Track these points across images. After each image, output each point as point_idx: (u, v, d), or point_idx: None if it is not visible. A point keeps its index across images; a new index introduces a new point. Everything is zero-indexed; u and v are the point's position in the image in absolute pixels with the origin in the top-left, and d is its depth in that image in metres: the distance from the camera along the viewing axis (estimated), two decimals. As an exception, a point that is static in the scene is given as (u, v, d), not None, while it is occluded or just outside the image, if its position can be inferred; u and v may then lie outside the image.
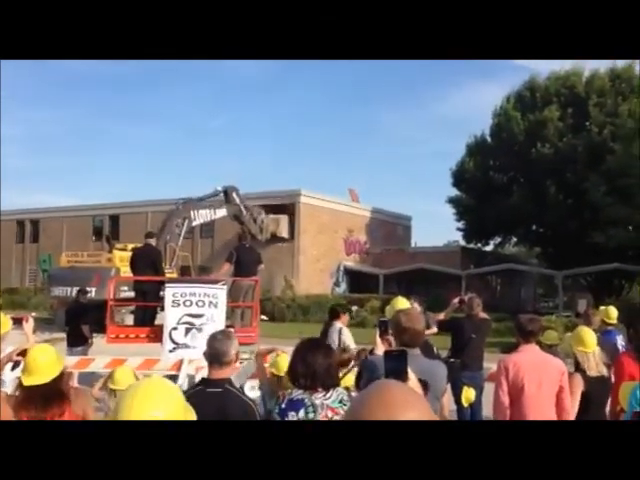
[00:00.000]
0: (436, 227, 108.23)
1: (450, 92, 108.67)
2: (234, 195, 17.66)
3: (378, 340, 3.89)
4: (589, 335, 4.77)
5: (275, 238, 30.98)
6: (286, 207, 33.53)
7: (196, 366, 7.00)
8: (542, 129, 31.49)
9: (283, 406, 3.02)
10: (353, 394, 3.18)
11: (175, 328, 8.42)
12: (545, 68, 59.76)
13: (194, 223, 16.51)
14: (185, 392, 2.59)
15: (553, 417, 4.31)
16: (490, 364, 6.54)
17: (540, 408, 4.27)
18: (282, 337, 14.31)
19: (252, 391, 9.31)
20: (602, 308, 7.33)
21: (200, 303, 8.58)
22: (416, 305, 6.01)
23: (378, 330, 3.74)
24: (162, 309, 9.30)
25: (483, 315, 7.41)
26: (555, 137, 31.22)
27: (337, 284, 35.72)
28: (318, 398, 3.00)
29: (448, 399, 4.49)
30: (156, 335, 9.09)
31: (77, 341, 10.29)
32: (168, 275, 12.67)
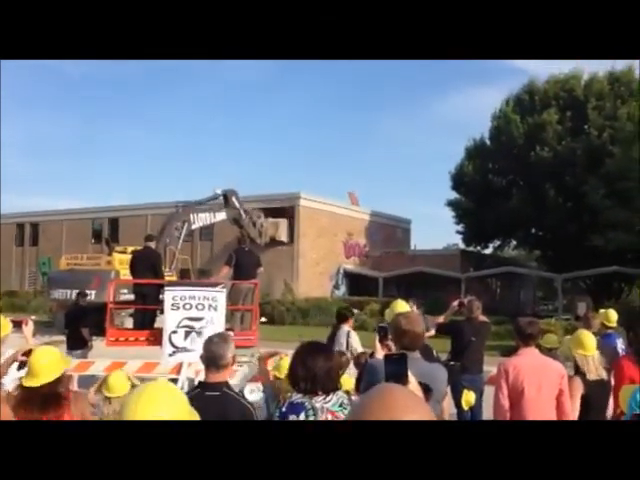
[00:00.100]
0: (435, 230, 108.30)
1: (449, 95, 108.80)
2: (233, 199, 17.67)
3: (378, 345, 3.89)
4: (589, 338, 4.77)
5: (274, 242, 31.00)
6: (286, 210, 33.55)
7: (196, 369, 7.00)
8: (541, 132, 31.54)
9: (284, 409, 3.01)
10: (353, 398, 3.18)
11: (175, 332, 8.42)
12: (544, 71, 59.87)
13: (194, 226, 16.50)
14: None
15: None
16: (490, 367, 6.54)
17: (540, 411, 4.26)
18: (282, 340, 14.31)
19: (252, 394, 9.32)
20: (602, 311, 7.32)
21: (200, 306, 8.58)
22: (414, 308, 6.02)
23: (377, 336, 3.74)
24: (162, 312, 9.30)
25: (483, 318, 7.40)
26: (554, 140, 31.26)
27: (337, 287, 35.73)
28: (318, 402, 2.99)
29: (448, 402, 4.49)
30: (155, 338, 9.09)
31: (77, 344, 10.28)
32: (167, 278, 12.67)
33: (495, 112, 35.36)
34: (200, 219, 16.45)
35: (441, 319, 7.37)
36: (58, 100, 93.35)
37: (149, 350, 9.23)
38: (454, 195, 37.27)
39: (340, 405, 3.01)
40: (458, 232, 38.31)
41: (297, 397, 3.03)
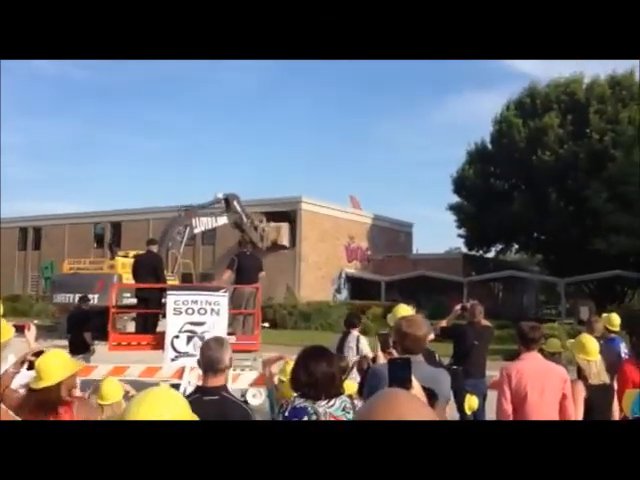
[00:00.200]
0: (437, 234, 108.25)
1: (450, 100, 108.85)
2: (235, 203, 17.70)
3: (380, 354, 3.89)
4: (591, 343, 4.76)
5: (276, 246, 31.01)
6: (287, 214, 33.57)
7: (198, 374, 6.98)
8: (543, 136, 31.54)
9: (286, 414, 3.01)
10: (356, 402, 3.17)
11: (177, 336, 8.42)
12: (545, 75, 60.10)
13: (195, 230, 16.53)
14: None
15: (556, 425, 4.30)
16: (493, 372, 6.53)
17: (543, 416, 4.25)
18: (284, 344, 14.30)
19: (254, 398, 9.33)
20: (605, 315, 7.30)
21: (202, 311, 8.58)
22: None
23: (379, 344, 3.75)
24: (164, 316, 9.30)
25: (485, 322, 7.39)
26: (556, 144, 31.26)
27: (338, 291, 35.71)
28: (321, 406, 2.99)
29: (450, 407, 4.49)
30: (158, 342, 9.09)
31: (79, 348, 10.27)
32: (170, 282, 12.68)
33: (496, 116, 35.40)
34: (202, 223, 16.48)
35: (443, 323, 7.35)
36: (60, 105, 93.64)
37: (151, 354, 9.23)
38: (456, 199, 37.32)
39: (343, 410, 3.01)
40: (460, 236, 38.34)
41: (300, 401, 3.03)
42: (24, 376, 3.71)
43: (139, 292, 10.83)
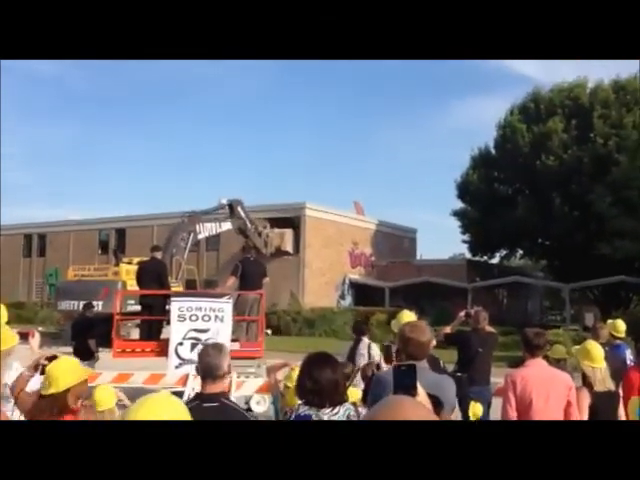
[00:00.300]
0: (441, 240, 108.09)
1: (452, 105, 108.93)
2: (239, 208, 17.72)
3: (384, 365, 3.89)
4: (597, 350, 4.73)
5: (280, 252, 31.01)
6: (291, 220, 33.59)
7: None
8: (547, 141, 31.51)
9: (290, 421, 3.00)
10: (360, 409, 3.16)
11: (181, 343, 8.42)
12: (548, 80, 60.02)
13: (199, 236, 16.54)
14: None
15: (561, 432, 4.27)
16: (497, 378, 6.50)
17: (548, 423, 4.23)
18: (288, 351, 14.28)
19: (258, 405, 9.31)
20: (610, 321, 7.27)
21: (206, 317, 8.58)
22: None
23: (383, 355, 3.74)
24: (168, 323, 9.30)
25: (489, 329, 7.37)
26: (560, 149, 31.23)
27: (342, 297, 35.67)
28: (325, 413, 2.98)
29: (456, 415, 4.46)
30: (162, 349, 9.08)
31: (83, 355, 10.27)
32: (174, 288, 12.68)
33: (500, 121, 35.38)
34: (206, 229, 16.48)
35: (448, 330, 7.33)
36: (63, 111, 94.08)
37: (155, 361, 9.23)
38: (460, 204, 37.28)
39: (347, 417, 3.00)
40: (464, 241, 38.27)
41: (304, 409, 3.02)
42: (38, 380, 3.74)
43: (143, 299, 10.84)
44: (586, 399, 4.53)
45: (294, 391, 3.36)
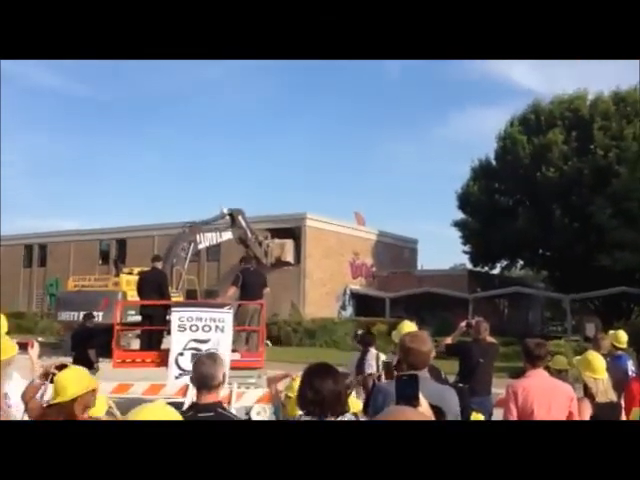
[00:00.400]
0: (442, 250, 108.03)
1: (452, 116, 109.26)
2: (240, 218, 17.73)
3: (384, 380, 3.87)
4: (598, 361, 4.72)
5: (280, 262, 30.99)
6: (292, 231, 33.60)
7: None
8: (547, 152, 31.60)
9: (291, 432, 2.99)
10: (362, 419, 3.15)
11: (181, 354, 8.39)
12: (548, 92, 60.34)
13: (200, 246, 16.53)
14: None
15: (563, 443, 4.25)
16: (498, 389, 6.48)
17: (550, 434, 4.21)
18: (289, 361, 14.24)
19: (259, 416, 9.26)
20: (611, 332, 7.25)
21: (206, 328, 8.56)
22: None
23: (384, 371, 3.73)
24: (168, 333, 9.28)
25: (490, 339, 7.35)
26: (560, 160, 31.30)
27: (343, 308, 35.61)
28: (326, 424, 2.97)
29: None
30: (162, 360, 9.06)
31: (83, 366, 10.24)
32: (174, 298, 12.67)
33: (500, 132, 35.50)
34: (206, 239, 16.48)
35: (448, 340, 7.32)
36: (64, 121, 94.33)
37: (155, 372, 9.20)
38: (460, 215, 37.33)
39: (348, 428, 2.98)
40: (465, 252, 38.28)
41: (306, 419, 3.01)
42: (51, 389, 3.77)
43: (143, 309, 10.82)
44: (588, 410, 4.51)
45: (295, 401, 3.34)
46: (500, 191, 35.09)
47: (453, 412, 3.25)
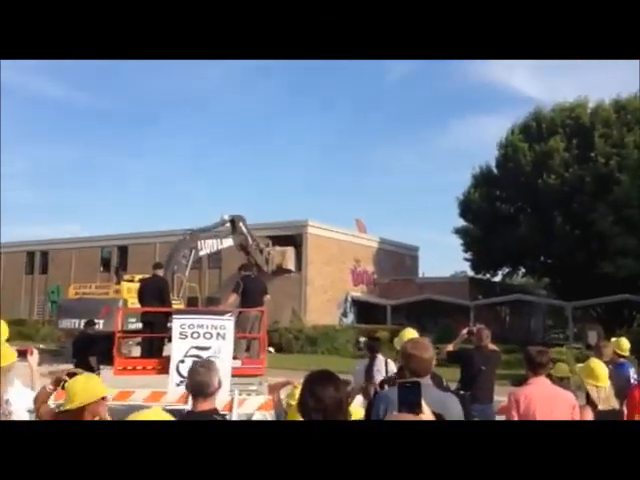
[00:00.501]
0: (444, 257, 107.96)
1: (452, 124, 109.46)
2: (241, 224, 17.75)
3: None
4: (601, 368, 4.70)
5: (281, 270, 30.99)
6: (293, 238, 33.61)
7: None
8: (548, 160, 31.63)
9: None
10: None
11: (182, 361, 8.37)
12: (549, 100, 60.46)
13: (201, 253, 16.53)
14: None
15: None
16: (500, 397, 6.46)
17: (552, 442, 4.19)
18: (291, 369, 14.20)
19: (259, 424, 9.22)
20: (614, 340, 7.23)
21: (208, 335, 8.55)
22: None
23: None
24: (169, 340, 9.27)
25: (492, 347, 7.32)
26: (561, 168, 31.33)
27: (345, 315, 35.55)
28: (327, 432, 2.96)
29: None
30: (163, 367, 9.04)
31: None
32: (175, 306, 12.66)
33: (501, 140, 35.56)
34: (207, 245, 16.49)
35: (450, 347, 7.30)
36: (64, 130, 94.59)
37: (156, 379, 9.17)
38: (462, 222, 37.33)
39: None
40: (466, 259, 38.24)
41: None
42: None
43: (144, 316, 10.82)
44: (589, 418, 4.49)
45: (296, 409, 3.32)
46: (501, 198, 35.10)
47: (455, 419, 3.23)
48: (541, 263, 36.87)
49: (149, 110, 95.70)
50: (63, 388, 3.52)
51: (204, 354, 8.36)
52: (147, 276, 11.97)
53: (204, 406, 3.27)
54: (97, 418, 3.36)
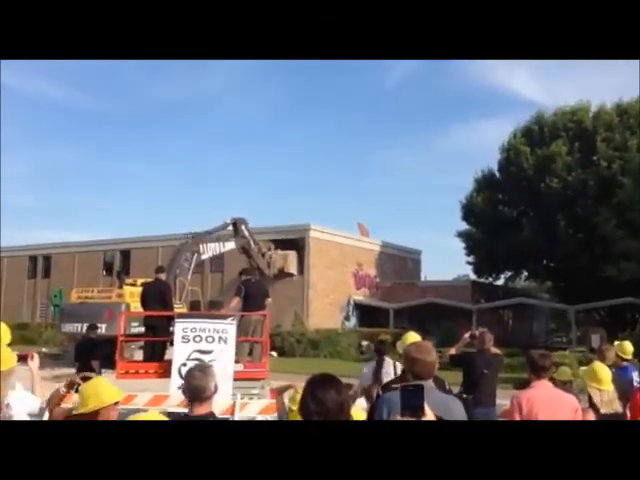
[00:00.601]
0: (446, 261, 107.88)
1: (454, 128, 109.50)
2: (243, 227, 17.76)
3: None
4: (604, 372, 4.69)
5: (283, 273, 30.98)
6: (295, 242, 33.61)
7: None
8: (550, 163, 31.60)
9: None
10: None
11: (184, 364, 8.37)
12: (551, 103, 60.44)
13: (203, 257, 16.55)
14: None
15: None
16: (503, 400, 6.44)
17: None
18: (293, 372, 14.18)
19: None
20: (617, 343, 7.21)
21: (210, 339, 8.55)
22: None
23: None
24: (172, 344, 9.27)
25: (495, 350, 7.32)
26: (564, 171, 31.30)
27: (347, 318, 35.50)
28: (329, 435, 2.95)
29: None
30: (165, 370, 9.04)
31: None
32: (177, 309, 12.66)
33: (504, 144, 35.54)
34: (210, 249, 16.50)
35: (452, 351, 7.29)
36: (66, 133, 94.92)
37: (159, 383, 9.18)
38: (464, 226, 37.30)
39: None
40: (469, 263, 38.19)
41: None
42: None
43: (147, 320, 10.82)
44: (593, 421, 4.48)
45: (298, 413, 3.31)
46: (504, 202, 35.07)
47: None
48: (544, 266, 36.80)
49: (150, 112, 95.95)
50: (77, 391, 3.53)
51: (206, 358, 8.35)
52: (149, 280, 11.98)
53: (200, 410, 3.28)
54: None
